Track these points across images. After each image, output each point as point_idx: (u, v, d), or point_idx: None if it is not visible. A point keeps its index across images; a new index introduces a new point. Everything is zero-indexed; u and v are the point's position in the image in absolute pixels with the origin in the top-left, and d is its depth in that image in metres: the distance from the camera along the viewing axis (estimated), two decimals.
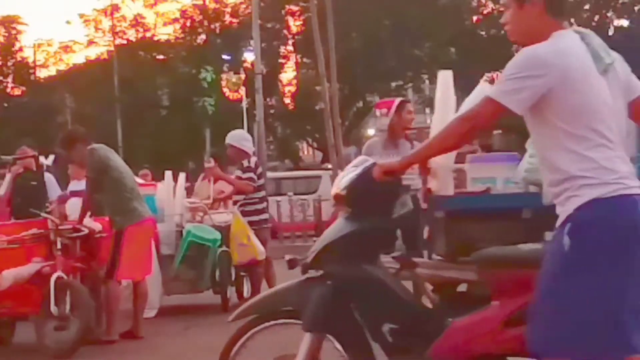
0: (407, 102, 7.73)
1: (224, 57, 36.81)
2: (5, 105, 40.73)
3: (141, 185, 8.53)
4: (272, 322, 3.67)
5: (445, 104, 4.47)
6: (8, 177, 9.35)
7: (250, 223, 8.35)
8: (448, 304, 3.72)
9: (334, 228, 3.65)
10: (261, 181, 8.61)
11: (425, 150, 3.30)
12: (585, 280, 2.92)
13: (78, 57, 43.73)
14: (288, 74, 40.30)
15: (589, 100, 2.97)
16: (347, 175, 3.54)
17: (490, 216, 3.89)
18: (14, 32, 42.04)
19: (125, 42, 40.70)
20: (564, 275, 2.95)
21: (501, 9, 28.17)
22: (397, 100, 7.48)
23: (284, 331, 3.68)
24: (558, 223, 3.02)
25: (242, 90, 34.66)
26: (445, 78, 5.13)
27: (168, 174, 9.74)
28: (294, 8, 37.36)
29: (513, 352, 3.34)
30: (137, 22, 41.01)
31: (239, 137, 8.49)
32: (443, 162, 4.44)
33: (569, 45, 3.03)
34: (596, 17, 35.80)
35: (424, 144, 3.29)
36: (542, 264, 3.06)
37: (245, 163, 8.30)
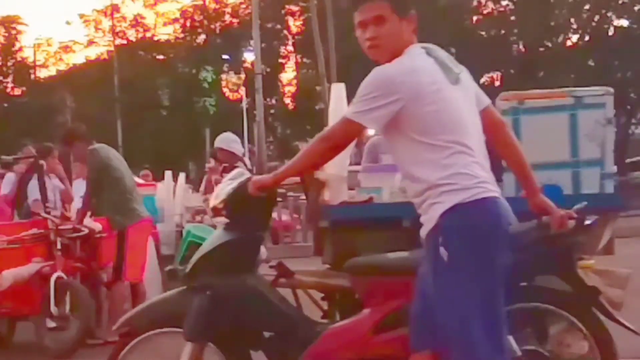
0: None
1: (224, 57, 36.84)
2: (5, 105, 40.72)
3: (141, 185, 8.53)
4: (155, 331, 3.73)
5: (338, 116, 4.64)
6: (11, 176, 9.33)
7: None
8: (338, 311, 3.81)
9: (212, 238, 3.73)
10: None
11: (292, 168, 3.36)
12: (470, 286, 3.00)
13: (78, 57, 43.82)
14: (288, 74, 40.35)
15: (444, 111, 3.05)
16: (224, 189, 3.62)
17: (372, 225, 3.99)
18: (14, 32, 42.05)
19: (125, 42, 40.72)
20: (447, 286, 3.03)
21: (501, 9, 27.96)
22: None
23: (169, 340, 3.72)
24: (424, 232, 3.10)
25: (242, 90, 34.67)
26: (338, 90, 5.22)
27: (168, 174, 9.76)
28: (294, 8, 37.37)
29: (382, 357, 3.44)
30: (137, 22, 41.05)
31: (228, 140, 8.46)
32: (335, 172, 4.54)
33: (418, 61, 3.11)
34: (596, 17, 35.79)
35: (291, 161, 3.38)
36: (425, 277, 3.13)
37: (241, 166, 8.29)
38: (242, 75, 36.85)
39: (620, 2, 35.33)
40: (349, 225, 4.07)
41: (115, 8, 40.52)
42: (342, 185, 4.65)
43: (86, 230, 7.08)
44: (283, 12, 37.45)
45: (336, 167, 4.52)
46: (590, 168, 4.39)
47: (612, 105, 4.46)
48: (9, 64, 42.11)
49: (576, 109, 4.42)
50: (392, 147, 3.21)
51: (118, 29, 40.79)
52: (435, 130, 3.03)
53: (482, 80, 35.53)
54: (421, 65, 3.10)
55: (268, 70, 34.19)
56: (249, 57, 35.46)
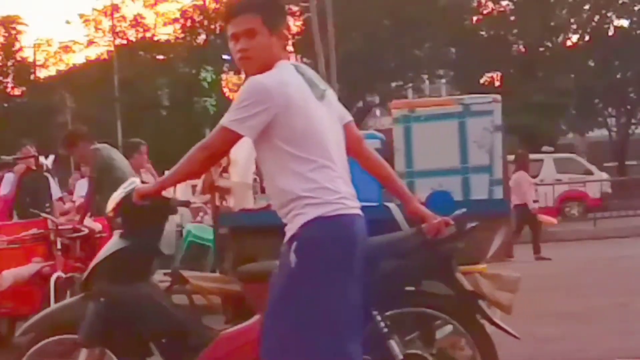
0: None
1: (224, 57, 36.80)
2: (5, 105, 40.69)
3: None
4: (53, 338, 3.79)
5: None
6: (11, 176, 9.34)
7: None
8: (238, 317, 3.90)
9: (107, 246, 3.81)
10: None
11: (173, 176, 3.42)
12: (310, 295, 3.11)
13: (78, 57, 43.80)
14: None
15: (312, 125, 3.18)
16: (115, 197, 3.72)
17: (269, 232, 4.05)
18: (14, 32, 42.00)
19: (125, 42, 40.69)
20: (291, 291, 3.14)
21: (501, 9, 27.92)
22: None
23: (68, 346, 3.81)
24: (285, 240, 3.20)
25: None
26: None
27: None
28: (294, 8, 37.34)
29: None
30: (137, 22, 40.99)
31: None
32: (239, 180, 4.60)
33: (289, 75, 3.24)
34: (596, 17, 35.80)
35: (172, 170, 3.43)
36: (273, 280, 3.25)
37: None
38: (242, 75, 36.86)
39: (620, 2, 35.35)
40: (248, 232, 4.14)
41: (115, 8, 40.48)
42: (247, 192, 4.72)
43: (86, 230, 7.08)
44: None
45: (240, 175, 4.59)
46: (479, 174, 4.47)
47: (499, 112, 4.56)
48: (9, 64, 42.05)
49: (465, 117, 4.51)
50: (261, 157, 3.30)
51: (118, 29, 40.74)
52: (302, 143, 3.16)
53: (482, 80, 35.57)
54: (291, 79, 3.23)
55: None
56: None
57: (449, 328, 3.70)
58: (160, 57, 40.21)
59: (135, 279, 3.69)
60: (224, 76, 37.41)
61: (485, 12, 36.16)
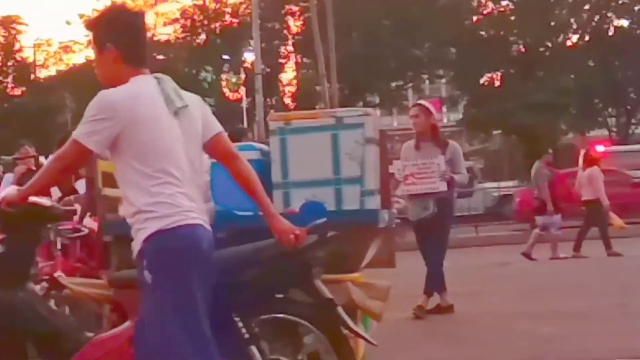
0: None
1: (224, 57, 36.83)
2: (5, 105, 40.69)
3: None
4: None
5: None
6: (10, 176, 9.35)
7: None
8: (123, 322, 3.91)
9: None
10: None
11: (33, 185, 3.53)
12: (168, 308, 3.23)
13: (78, 57, 43.77)
14: (288, 74, 40.31)
15: (159, 140, 3.29)
16: None
17: None
18: (14, 32, 42.00)
19: None
20: (151, 306, 3.28)
21: (501, 9, 27.91)
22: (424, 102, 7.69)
23: None
24: (134, 254, 3.32)
25: (242, 90, 34.70)
26: None
27: None
28: (294, 8, 37.36)
29: None
30: None
31: None
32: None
33: (141, 89, 3.34)
34: (596, 17, 35.82)
35: (32, 179, 3.54)
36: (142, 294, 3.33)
37: None
38: (242, 75, 36.88)
39: (620, 2, 35.38)
40: (130, 240, 4.21)
41: None
42: None
43: (86, 230, 7.07)
44: (283, 12, 37.44)
45: None
46: (351, 185, 4.58)
47: (371, 125, 4.66)
48: (9, 64, 42.05)
49: (337, 129, 4.62)
50: (115, 169, 3.38)
51: None
52: (147, 158, 3.26)
53: (482, 80, 35.57)
54: (144, 92, 3.34)
55: (268, 70, 34.18)
56: (249, 57, 35.45)
57: (309, 336, 3.77)
58: (160, 57, 40.21)
59: (11, 284, 3.75)
60: (223, 76, 37.53)
61: (485, 12, 36.15)
